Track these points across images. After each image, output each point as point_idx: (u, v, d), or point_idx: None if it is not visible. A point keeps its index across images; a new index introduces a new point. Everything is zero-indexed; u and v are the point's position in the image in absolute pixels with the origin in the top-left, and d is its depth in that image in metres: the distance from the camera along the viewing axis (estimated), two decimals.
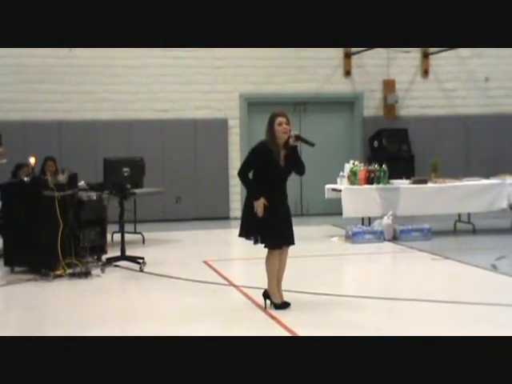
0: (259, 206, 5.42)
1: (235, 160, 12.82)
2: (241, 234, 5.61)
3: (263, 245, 5.60)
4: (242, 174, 5.55)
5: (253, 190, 5.48)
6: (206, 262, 8.11)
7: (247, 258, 8.29)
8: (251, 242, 5.61)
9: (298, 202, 13.15)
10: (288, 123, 5.56)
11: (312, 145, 5.69)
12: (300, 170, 5.73)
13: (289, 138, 5.52)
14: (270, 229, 5.49)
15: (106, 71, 12.34)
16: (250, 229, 5.53)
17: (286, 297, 5.79)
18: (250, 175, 5.59)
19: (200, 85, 12.76)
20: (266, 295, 5.68)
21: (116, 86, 12.48)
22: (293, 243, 5.72)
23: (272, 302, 5.63)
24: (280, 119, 5.53)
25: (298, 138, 5.57)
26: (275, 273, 5.65)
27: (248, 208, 5.52)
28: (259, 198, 5.44)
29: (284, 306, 5.62)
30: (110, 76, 12.36)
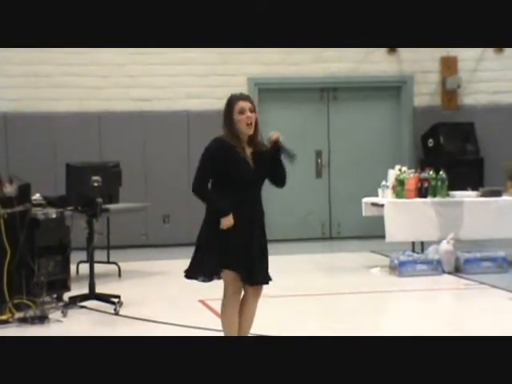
0: (226, 224, 5.23)
1: None
2: (196, 273, 5.44)
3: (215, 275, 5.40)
4: (201, 188, 5.32)
5: (219, 204, 5.28)
6: (202, 302, 8.11)
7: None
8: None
9: (327, 221, 13.13)
10: (253, 110, 5.34)
11: (292, 157, 5.40)
12: (280, 177, 5.45)
13: (255, 132, 5.33)
14: (216, 245, 5.27)
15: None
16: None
17: None
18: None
19: (193, 65, 12.82)
20: None
21: (81, 66, 12.55)
22: (263, 281, 5.40)
23: None
24: (241, 104, 5.30)
25: (275, 144, 5.36)
26: (232, 331, 5.38)
27: (210, 233, 5.31)
28: (228, 213, 5.24)
29: None
30: (73, 53, 12.41)
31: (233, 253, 5.27)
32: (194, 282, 9.86)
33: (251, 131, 5.32)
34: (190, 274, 5.46)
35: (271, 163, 5.40)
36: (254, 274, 5.33)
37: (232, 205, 5.26)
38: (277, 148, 5.37)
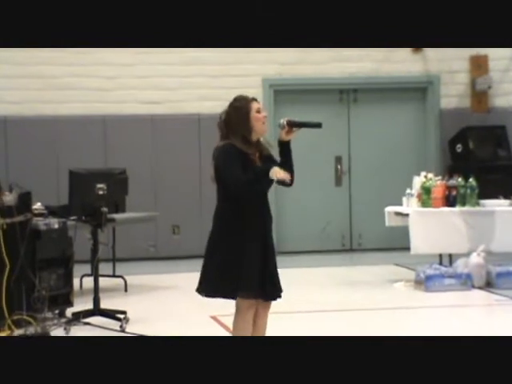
0: (278, 171, 5.21)
1: None
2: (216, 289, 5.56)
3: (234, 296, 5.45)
4: (242, 180, 5.23)
5: (261, 172, 5.28)
6: (214, 318, 8.10)
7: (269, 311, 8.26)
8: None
9: (347, 232, 13.09)
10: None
11: (318, 125, 5.52)
12: (290, 174, 5.46)
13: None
14: (243, 268, 5.34)
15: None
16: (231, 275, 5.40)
17: None
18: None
19: (205, 66, 12.83)
20: None
21: (86, 67, 12.58)
22: (277, 296, 5.49)
23: None
24: (257, 104, 5.46)
25: (291, 125, 5.40)
26: None
27: (229, 246, 5.42)
28: (271, 168, 5.24)
29: None
30: (77, 53, 12.45)
31: (252, 274, 5.31)
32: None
33: (265, 131, 5.45)
34: (209, 292, 5.58)
35: (281, 160, 5.43)
36: (274, 289, 5.42)
37: (248, 216, 5.32)
38: (295, 126, 5.40)
